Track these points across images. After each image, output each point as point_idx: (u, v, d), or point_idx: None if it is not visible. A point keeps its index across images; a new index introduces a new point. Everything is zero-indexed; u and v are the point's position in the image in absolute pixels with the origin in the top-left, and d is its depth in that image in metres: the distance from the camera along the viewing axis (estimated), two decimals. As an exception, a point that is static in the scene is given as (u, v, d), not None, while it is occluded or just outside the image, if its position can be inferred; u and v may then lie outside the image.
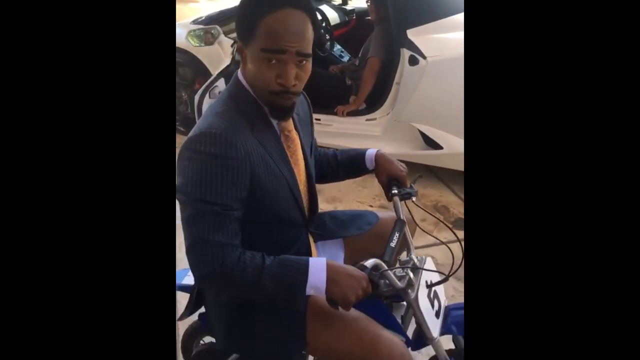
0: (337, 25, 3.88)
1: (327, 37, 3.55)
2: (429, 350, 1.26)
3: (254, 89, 1.08)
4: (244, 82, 1.09)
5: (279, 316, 1.13)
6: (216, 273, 0.98)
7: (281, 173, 1.10)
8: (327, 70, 3.58)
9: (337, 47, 3.86)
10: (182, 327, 1.64)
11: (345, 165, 1.41)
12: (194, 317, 1.43)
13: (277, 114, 1.10)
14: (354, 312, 1.13)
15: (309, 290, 0.98)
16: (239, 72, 1.11)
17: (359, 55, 3.36)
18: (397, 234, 1.19)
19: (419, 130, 2.99)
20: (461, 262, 1.00)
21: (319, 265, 0.99)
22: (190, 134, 1.02)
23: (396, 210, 1.27)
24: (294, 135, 1.19)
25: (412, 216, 1.34)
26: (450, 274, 1.10)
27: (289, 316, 1.13)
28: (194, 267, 1.00)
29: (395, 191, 1.29)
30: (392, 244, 1.15)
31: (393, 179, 1.32)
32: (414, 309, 1.14)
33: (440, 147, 2.93)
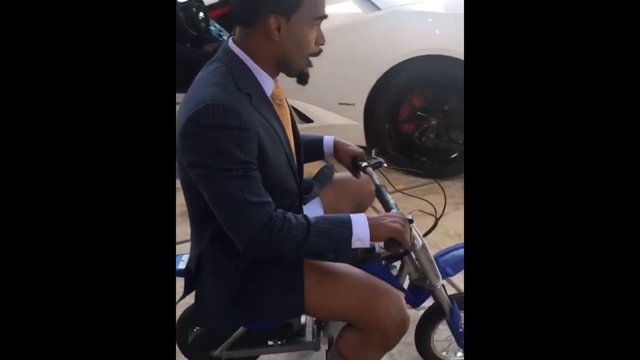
0: (216, 5, 3.77)
1: (202, 16, 3.45)
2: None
3: (292, 57, 1.12)
4: (242, 56, 1.11)
5: (279, 279, 1.19)
6: (264, 234, 1.02)
7: (280, 140, 1.15)
8: (201, 49, 3.47)
9: (216, 26, 3.77)
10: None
11: (304, 151, 1.49)
12: (185, 306, 1.44)
13: (304, 78, 1.18)
14: (349, 268, 1.22)
15: (354, 242, 1.07)
16: (234, 46, 1.12)
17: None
18: (388, 196, 1.30)
19: (291, 106, 3.18)
20: (443, 210, 1.29)
21: (360, 219, 1.09)
22: (194, 107, 1.02)
23: (373, 179, 1.40)
24: (285, 103, 1.25)
25: (388, 181, 1.49)
26: (439, 216, 1.27)
27: (288, 278, 1.19)
28: (241, 233, 1.03)
29: (365, 164, 1.43)
30: (392, 201, 1.27)
31: (355, 158, 1.47)
32: (420, 258, 1.24)
33: (311, 121, 3.16)
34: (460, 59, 2.56)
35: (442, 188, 1.39)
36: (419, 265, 1.30)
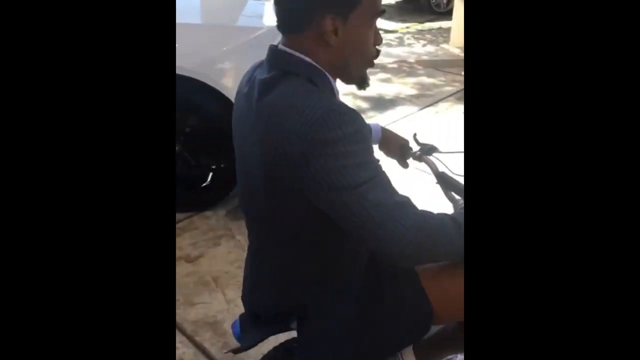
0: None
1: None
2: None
3: (352, 62, 1.00)
4: (315, 63, 0.97)
5: (400, 295, 1.07)
6: (425, 230, 0.89)
7: None
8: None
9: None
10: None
11: None
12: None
13: (365, 83, 1.06)
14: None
15: None
16: (292, 51, 0.97)
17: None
18: (460, 182, 1.18)
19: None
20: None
21: None
22: (302, 124, 0.86)
23: (431, 166, 1.28)
24: None
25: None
26: None
27: (408, 291, 1.07)
28: (400, 241, 0.87)
29: (418, 151, 1.31)
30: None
31: (403, 146, 1.37)
32: None
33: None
34: (199, 80, 2.22)
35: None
36: None
